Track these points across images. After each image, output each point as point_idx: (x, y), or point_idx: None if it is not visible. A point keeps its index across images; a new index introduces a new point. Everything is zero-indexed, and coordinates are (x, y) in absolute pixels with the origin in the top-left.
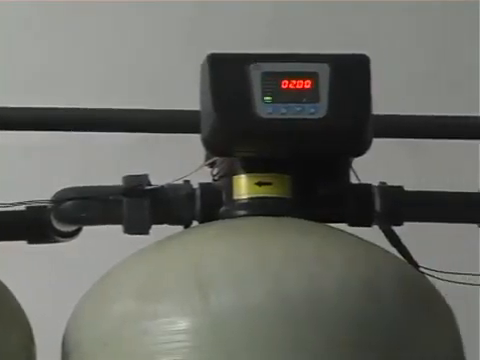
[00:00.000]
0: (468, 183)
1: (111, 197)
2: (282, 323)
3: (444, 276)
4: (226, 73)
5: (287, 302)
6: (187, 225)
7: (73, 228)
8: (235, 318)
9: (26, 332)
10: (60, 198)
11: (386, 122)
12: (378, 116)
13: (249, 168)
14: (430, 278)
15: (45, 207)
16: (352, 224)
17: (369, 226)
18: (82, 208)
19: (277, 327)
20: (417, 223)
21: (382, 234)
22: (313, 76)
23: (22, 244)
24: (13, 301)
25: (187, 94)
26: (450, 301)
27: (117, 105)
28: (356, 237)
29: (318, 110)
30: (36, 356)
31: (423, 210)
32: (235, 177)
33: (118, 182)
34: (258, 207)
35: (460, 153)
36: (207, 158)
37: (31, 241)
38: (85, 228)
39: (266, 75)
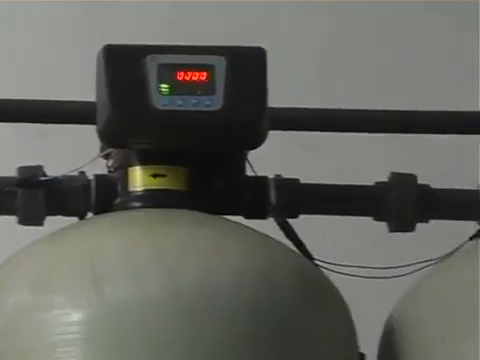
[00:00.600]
0: (361, 176)
1: (6, 188)
2: (177, 316)
3: (339, 269)
4: (122, 65)
5: (182, 295)
6: (82, 216)
7: None
8: (130, 311)
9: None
10: None
11: (282, 115)
12: (274, 109)
13: (144, 160)
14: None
15: None
16: (248, 216)
17: (264, 218)
18: None
19: (172, 320)
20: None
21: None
22: (209, 68)
23: None
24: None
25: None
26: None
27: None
28: (252, 229)
29: (214, 103)
30: None
31: (319, 203)
32: (130, 169)
33: (12, 174)
34: (152, 199)
35: (355, 146)
36: (102, 149)
37: None
38: None
39: (162, 67)
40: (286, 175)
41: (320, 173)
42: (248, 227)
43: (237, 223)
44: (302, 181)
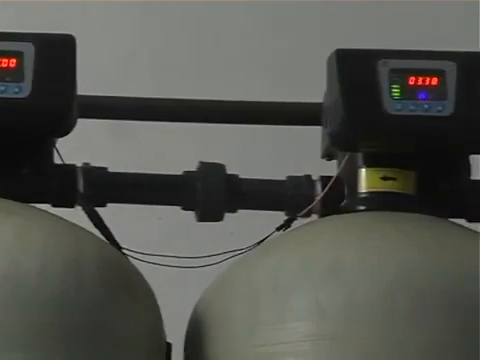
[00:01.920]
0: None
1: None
2: None
3: (146, 258)
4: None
5: None
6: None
7: None
8: None
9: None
10: None
11: (92, 103)
12: (83, 96)
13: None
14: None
15: None
16: (55, 205)
17: (72, 207)
18: None
19: None
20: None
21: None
22: (18, 55)
23: None
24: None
25: None
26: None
27: None
28: (59, 218)
29: (22, 90)
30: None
31: (127, 191)
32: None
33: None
34: None
35: (165, 135)
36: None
37: None
38: None
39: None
40: (96, 164)
41: (130, 162)
42: (55, 216)
43: (45, 212)
44: (111, 170)
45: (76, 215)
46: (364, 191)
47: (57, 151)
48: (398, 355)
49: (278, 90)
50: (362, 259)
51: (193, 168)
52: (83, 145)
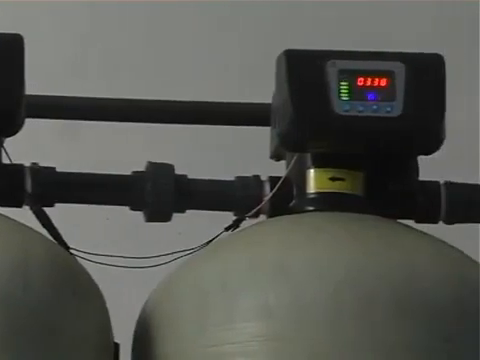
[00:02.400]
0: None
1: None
2: None
3: (94, 258)
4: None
5: None
6: None
7: None
8: None
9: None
10: None
11: (41, 103)
12: (32, 96)
13: None
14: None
15: None
16: (3, 205)
17: (20, 207)
18: None
19: None
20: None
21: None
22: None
23: None
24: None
25: None
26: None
27: None
28: (7, 218)
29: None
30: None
31: (75, 191)
32: None
33: None
34: None
35: (114, 135)
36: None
37: None
38: None
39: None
40: (44, 163)
41: (81, 162)
42: (2, 215)
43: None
44: (59, 169)
45: (24, 215)
46: (313, 192)
47: (5, 151)
48: (347, 355)
49: (227, 91)
50: (311, 260)
51: (142, 168)
52: (33, 145)
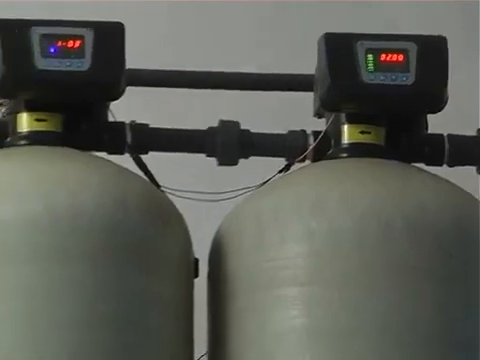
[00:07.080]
0: None
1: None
2: (49, 232)
3: (180, 193)
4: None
5: (54, 215)
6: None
7: None
8: (15, 227)
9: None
10: None
11: (134, 75)
12: (129, 70)
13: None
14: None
15: None
16: (110, 152)
17: (122, 154)
18: None
19: (46, 235)
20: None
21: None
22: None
23: None
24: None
25: None
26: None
27: None
28: (111, 163)
29: None
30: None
31: (164, 142)
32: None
33: None
34: (35, 138)
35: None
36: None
37: None
38: None
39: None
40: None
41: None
42: (108, 160)
43: (102, 158)
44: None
45: (125, 161)
46: (346, 142)
47: (110, 111)
48: (370, 269)
49: (282, 65)
50: (342, 195)
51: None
52: (127, 108)
